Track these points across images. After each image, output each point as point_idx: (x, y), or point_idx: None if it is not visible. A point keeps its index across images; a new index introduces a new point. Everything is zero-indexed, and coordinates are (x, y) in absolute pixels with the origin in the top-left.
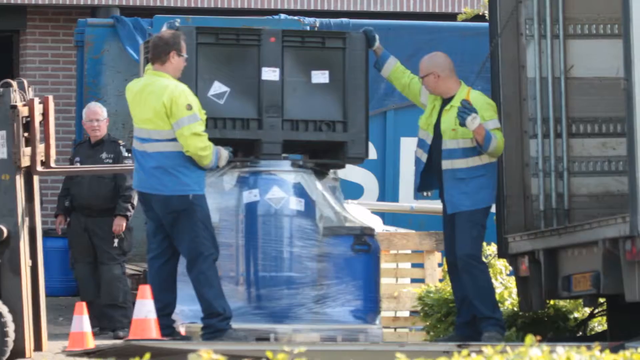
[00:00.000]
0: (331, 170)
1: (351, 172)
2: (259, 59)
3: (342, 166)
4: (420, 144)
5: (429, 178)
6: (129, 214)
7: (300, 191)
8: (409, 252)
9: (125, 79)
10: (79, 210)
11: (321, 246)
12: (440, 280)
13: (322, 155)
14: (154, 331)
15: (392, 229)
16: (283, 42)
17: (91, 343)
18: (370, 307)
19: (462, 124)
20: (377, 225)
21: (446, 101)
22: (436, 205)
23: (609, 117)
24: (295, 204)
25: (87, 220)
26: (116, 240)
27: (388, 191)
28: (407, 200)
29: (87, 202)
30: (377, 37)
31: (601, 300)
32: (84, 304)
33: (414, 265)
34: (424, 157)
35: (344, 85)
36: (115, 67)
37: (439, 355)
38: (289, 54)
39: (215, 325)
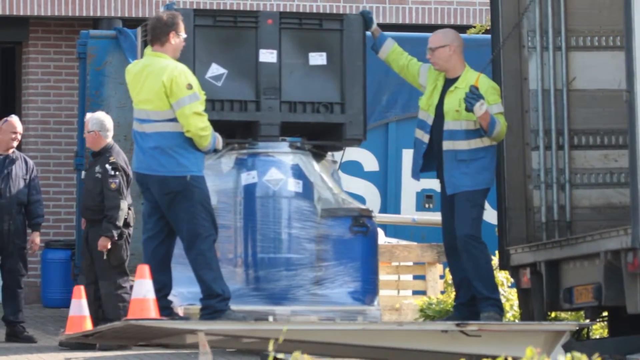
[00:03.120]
0: (329, 153)
1: (353, 184)
2: (257, 41)
3: (340, 148)
4: (420, 124)
5: (429, 159)
6: (110, 234)
7: (298, 173)
8: (411, 264)
9: (127, 90)
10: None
11: (319, 228)
12: (442, 292)
13: (319, 137)
14: (152, 311)
15: (393, 240)
16: (280, 24)
17: (89, 326)
18: (368, 288)
19: (470, 109)
20: (379, 237)
21: (449, 82)
22: (438, 217)
23: (611, 129)
24: (294, 185)
25: (87, 230)
26: (104, 252)
27: (390, 203)
28: (409, 212)
29: (82, 212)
30: (374, 19)
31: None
32: (82, 287)
33: (415, 277)
34: (425, 138)
35: (342, 67)
36: (117, 78)
37: (438, 334)
38: (286, 36)
39: (214, 306)
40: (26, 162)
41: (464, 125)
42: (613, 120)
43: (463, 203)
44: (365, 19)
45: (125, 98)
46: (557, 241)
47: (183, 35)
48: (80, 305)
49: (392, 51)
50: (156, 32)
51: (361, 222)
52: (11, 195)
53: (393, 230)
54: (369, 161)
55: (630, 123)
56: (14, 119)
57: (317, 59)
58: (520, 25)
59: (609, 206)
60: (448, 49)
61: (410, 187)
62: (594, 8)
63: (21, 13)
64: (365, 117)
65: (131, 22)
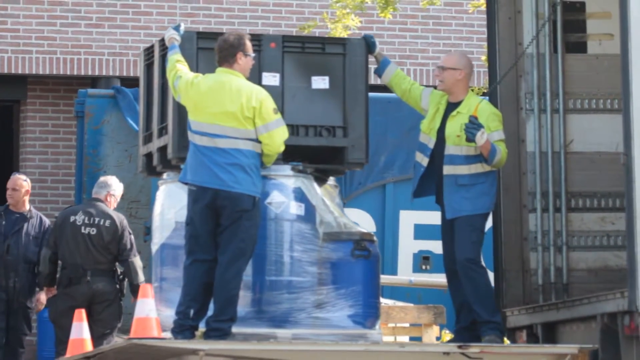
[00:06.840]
0: (330, 177)
1: None
2: (260, 64)
3: (342, 172)
4: (421, 148)
5: (427, 183)
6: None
7: (300, 196)
8: (407, 325)
9: (125, 149)
10: None
11: (321, 251)
12: None
13: (322, 160)
14: (155, 330)
15: (390, 302)
16: (283, 47)
17: (89, 348)
18: (369, 312)
19: (471, 139)
20: None
21: (451, 106)
22: (435, 278)
23: (608, 192)
24: (296, 208)
25: None
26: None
27: (387, 264)
28: (405, 273)
29: None
30: (377, 43)
31: None
32: (82, 311)
33: (412, 339)
34: (424, 161)
35: (344, 91)
36: (115, 137)
37: (439, 356)
38: (289, 60)
39: (225, 329)
40: (41, 221)
41: (464, 151)
42: (610, 183)
43: (463, 227)
44: (368, 43)
45: (123, 157)
46: (553, 303)
47: (251, 54)
48: (81, 328)
49: (394, 75)
50: (223, 54)
51: (363, 246)
52: (18, 253)
53: (390, 292)
54: (366, 222)
55: (627, 186)
56: (14, 176)
57: (320, 82)
58: (518, 88)
59: (605, 269)
60: (458, 74)
61: (407, 248)
62: (592, 71)
63: (19, 72)
64: (368, 141)
65: (129, 82)
